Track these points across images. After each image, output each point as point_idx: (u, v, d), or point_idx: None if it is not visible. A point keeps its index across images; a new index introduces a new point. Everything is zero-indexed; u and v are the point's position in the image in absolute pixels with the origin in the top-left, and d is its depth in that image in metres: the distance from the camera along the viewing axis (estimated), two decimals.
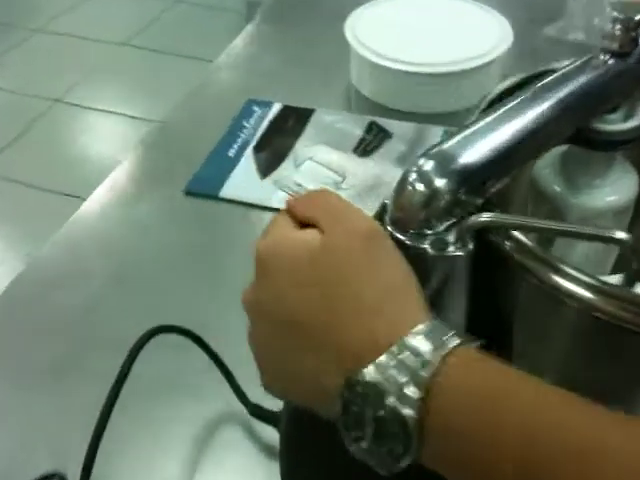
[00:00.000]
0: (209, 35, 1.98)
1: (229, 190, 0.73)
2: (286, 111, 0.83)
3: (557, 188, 0.40)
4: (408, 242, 0.32)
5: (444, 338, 0.28)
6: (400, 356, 0.28)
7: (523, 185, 0.41)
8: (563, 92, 0.34)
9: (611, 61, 0.36)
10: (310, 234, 0.33)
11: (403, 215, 0.32)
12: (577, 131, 0.37)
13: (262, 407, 0.52)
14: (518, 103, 0.34)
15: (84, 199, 0.74)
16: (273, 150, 0.78)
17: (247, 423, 0.53)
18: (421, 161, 0.32)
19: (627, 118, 0.38)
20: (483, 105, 0.42)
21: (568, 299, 0.32)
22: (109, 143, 1.81)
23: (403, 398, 0.28)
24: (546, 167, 0.40)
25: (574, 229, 0.29)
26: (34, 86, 2.01)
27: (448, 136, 0.34)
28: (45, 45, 2.22)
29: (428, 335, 0.28)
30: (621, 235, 0.29)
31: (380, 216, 0.34)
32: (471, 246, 0.31)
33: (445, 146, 0.33)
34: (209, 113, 0.86)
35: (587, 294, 0.31)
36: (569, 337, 0.34)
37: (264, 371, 0.35)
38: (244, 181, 0.74)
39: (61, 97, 1.98)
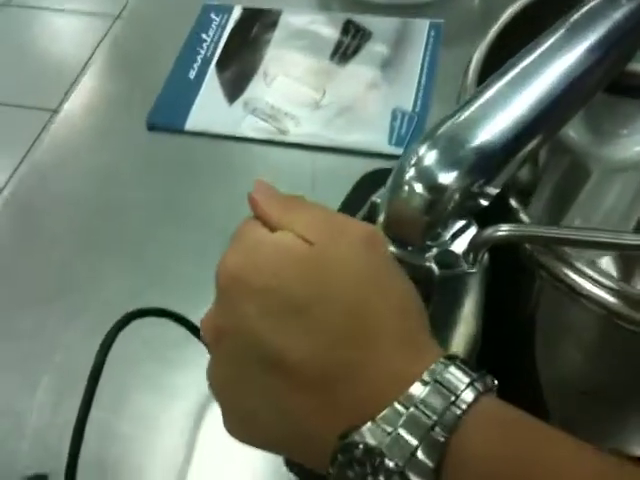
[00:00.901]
0: None
1: (195, 121, 0.65)
2: (249, 15, 0.73)
3: (577, 137, 0.33)
4: (408, 259, 0.26)
5: (458, 392, 0.23)
6: (408, 412, 0.23)
7: None
8: (596, 35, 0.27)
9: None
10: (292, 238, 0.26)
11: (400, 225, 0.26)
12: None
13: None
14: (540, 56, 0.27)
15: (51, 110, 0.67)
16: (239, 66, 0.69)
17: None
18: (421, 149, 0.25)
19: None
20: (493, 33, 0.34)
21: (591, 305, 0.26)
22: (66, 44, 1.67)
23: (413, 465, 0.22)
24: None
25: (626, 240, 0.23)
26: None
27: (457, 108, 0.27)
28: None
29: (440, 386, 0.23)
30: None
31: (368, 220, 0.27)
32: (486, 260, 0.26)
33: (453, 123, 0.26)
34: (161, 20, 0.76)
35: (612, 300, 0.26)
36: (594, 344, 0.29)
37: (228, 414, 0.28)
38: (210, 108, 0.65)
39: (6, 0, 1.80)
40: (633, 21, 0.28)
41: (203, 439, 0.48)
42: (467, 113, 0.27)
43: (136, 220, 0.60)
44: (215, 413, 0.49)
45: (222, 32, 0.71)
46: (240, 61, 0.69)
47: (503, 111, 0.27)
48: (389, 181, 0.26)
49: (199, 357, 0.48)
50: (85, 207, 0.61)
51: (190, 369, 0.51)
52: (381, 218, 0.26)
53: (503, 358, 0.32)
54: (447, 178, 0.25)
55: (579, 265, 0.25)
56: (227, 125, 0.64)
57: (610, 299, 0.25)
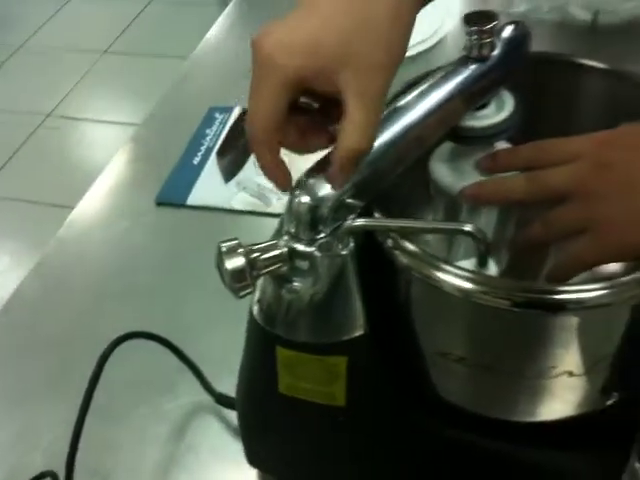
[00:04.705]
0: (186, 31, 2.01)
1: (195, 197, 0.78)
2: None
3: (448, 179, 0.44)
4: (300, 248, 0.37)
5: None
6: None
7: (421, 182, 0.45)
8: (438, 96, 0.39)
9: (472, 65, 0.40)
10: None
11: (295, 224, 0.37)
12: (452, 129, 0.41)
13: (227, 395, 0.57)
14: (396, 110, 0.39)
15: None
16: (236, 153, 0.83)
17: (216, 409, 0.59)
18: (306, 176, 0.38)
19: (498, 111, 0.42)
20: None
21: (447, 288, 0.36)
22: (101, 151, 1.88)
23: None
24: (437, 161, 0.45)
25: (430, 226, 0.34)
26: (24, 103, 2.07)
27: None
28: (29, 61, 2.28)
29: None
30: (468, 227, 0.34)
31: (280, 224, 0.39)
32: (352, 245, 0.37)
33: None
34: (177, 121, 0.91)
35: (462, 284, 0.36)
36: (457, 321, 0.39)
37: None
38: (209, 186, 0.79)
39: (51, 111, 2.04)
40: (461, 87, 0.40)
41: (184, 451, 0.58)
42: None
43: (145, 280, 0.72)
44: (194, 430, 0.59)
45: (223, 127, 0.87)
46: (237, 149, 0.83)
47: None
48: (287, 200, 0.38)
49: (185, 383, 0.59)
50: (102, 271, 0.74)
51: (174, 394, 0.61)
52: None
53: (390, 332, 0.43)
54: (321, 196, 0.37)
55: (434, 260, 0.36)
56: (222, 200, 0.77)
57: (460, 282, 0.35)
